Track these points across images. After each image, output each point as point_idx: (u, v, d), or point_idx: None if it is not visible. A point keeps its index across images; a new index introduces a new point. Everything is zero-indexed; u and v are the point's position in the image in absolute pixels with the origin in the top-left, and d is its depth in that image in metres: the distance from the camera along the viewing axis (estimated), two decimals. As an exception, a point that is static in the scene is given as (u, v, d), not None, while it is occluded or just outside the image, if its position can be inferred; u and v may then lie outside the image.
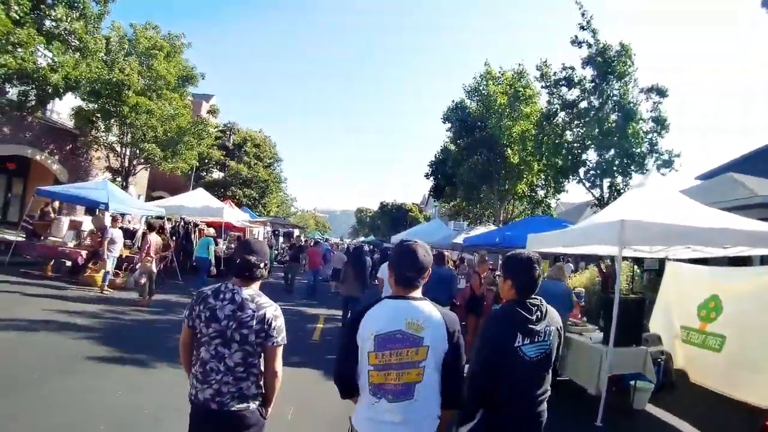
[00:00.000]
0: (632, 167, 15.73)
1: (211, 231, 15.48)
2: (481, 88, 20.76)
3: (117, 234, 10.43)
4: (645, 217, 5.54)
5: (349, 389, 2.32)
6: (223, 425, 2.50)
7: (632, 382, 6.02)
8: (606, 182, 16.49)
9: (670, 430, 5.63)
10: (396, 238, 25.07)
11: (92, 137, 18.73)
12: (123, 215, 14.05)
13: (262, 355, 2.54)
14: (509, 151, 19.33)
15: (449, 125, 23.21)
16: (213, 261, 13.11)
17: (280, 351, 2.57)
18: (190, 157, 21.23)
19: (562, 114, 16.55)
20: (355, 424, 2.28)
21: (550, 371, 2.73)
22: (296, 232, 35.13)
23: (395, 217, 56.41)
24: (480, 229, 15.35)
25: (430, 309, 2.25)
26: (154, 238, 10.19)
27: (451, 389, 2.28)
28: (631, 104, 15.13)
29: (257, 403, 2.56)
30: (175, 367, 5.83)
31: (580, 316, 8.27)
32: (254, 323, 2.47)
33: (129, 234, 13.40)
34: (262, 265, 2.60)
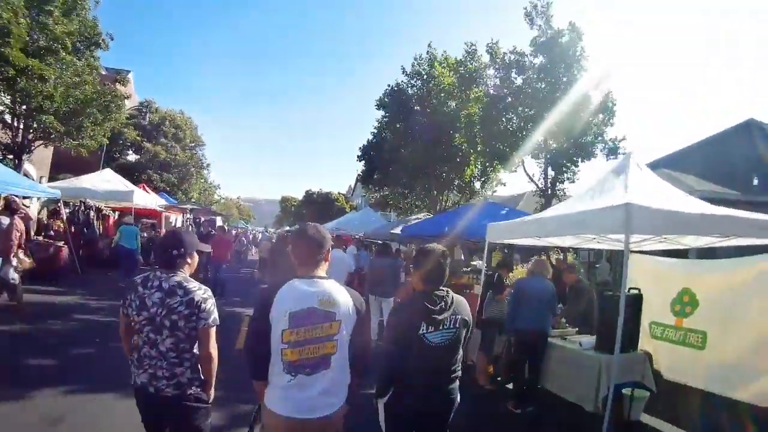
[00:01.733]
0: (579, 157, 15.39)
1: (130, 218, 13.39)
2: (422, 70, 19.74)
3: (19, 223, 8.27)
4: (645, 202, 4.68)
5: (263, 370, 2.43)
6: (162, 409, 2.59)
7: (626, 391, 5.23)
8: (551, 172, 16.13)
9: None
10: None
11: None
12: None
13: (196, 340, 2.59)
14: (457, 136, 18.45)
15: (383, 112, 22.09)
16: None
17: (212, 332, 2.63)
18: (98, 134, 18.66)
19: (509, 99, 15.89)
20: (272, 405, 2.40)
21: (459, 355, 2.99)
22: (219, 220, 32.93)
23: (321, 206, 54.76)
24: (415, 221, 14.38)
25: (337, 287, 2.50)
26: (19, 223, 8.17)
27: (360, 358, 2.56)
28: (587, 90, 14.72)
29: (195, 388, 2.60)
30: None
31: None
32: (183, 308, 2.53)
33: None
34: (183, 252, 2.69)
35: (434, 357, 2.84)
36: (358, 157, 24.26)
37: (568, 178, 15.85)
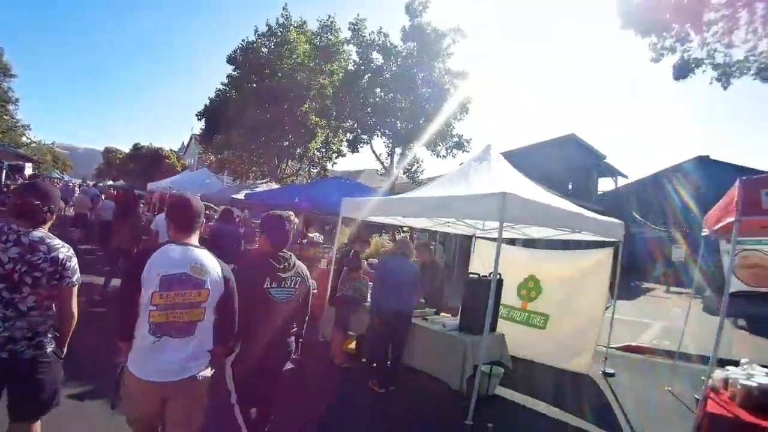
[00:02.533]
0: (428, 145, 16.08)
1: None
2: (277, 32, 18.92)
3: None
4: (516, 192, 4.87)
5: (130, 330, 2.38)
6: (18, 372, 2.39)
7: (485, 368, 5.26)
8: (397, 153, 16.65)
9: (533, 413, 5.27)
10: (155, 186, 21.98)
11: None
12: None
13: (57, 296, 2.49)
14: (306, 105, 18.01)
15: (233, 69, 20.80)
16: None
17: (74, 291, 2.56)
18: None
19: (367, 76, 15.96)
20: (135, 367, 2.37)
21: (300, 313, 3.26)
22: (28, 167, 28.41)
23: (150, 161, 50.40)
24: (262, 187, 13.83)
25: (209, 256, 2.53)
26: None
27: (225, 328, 2.60)
28: (445, 85, 15.35)
29: (53, 346, 2.53)
30: None
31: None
32: (46, 265, 2.40)
33: None
34: (47, 208, 2.53)
35: (277, 312, 3.06)
36: (198, 114, 22.60)
37: (415, 166, 16.55)
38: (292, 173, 21.70)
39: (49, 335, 2.51)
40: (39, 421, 2.58)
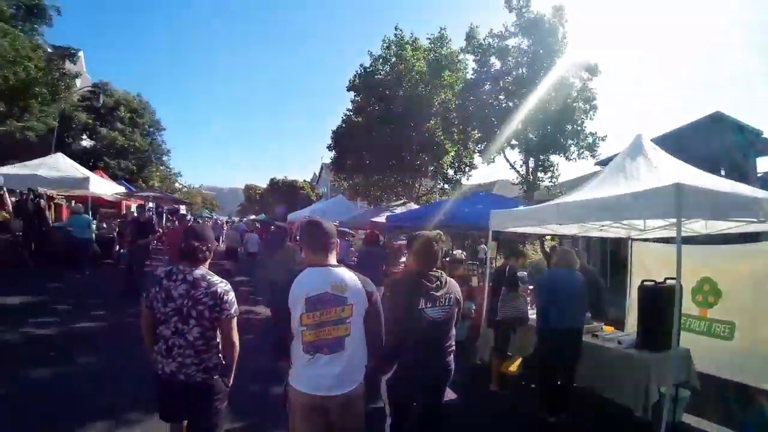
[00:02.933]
0: (556, 150, 14.95)
1: (80, 207, 12.22)
2: (391, 53, 18.90)
3: None
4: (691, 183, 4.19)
5: (286, 351, 2.60)
6: (191, 395, 2.75)
7: (667, 390, 4.48)
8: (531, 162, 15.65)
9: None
10: (294, 216, 22.88)
11: None
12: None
13: (219, 328, 2.79)
14: (431, 122, 17.70)
15: (354, 95, 21.16)
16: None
17: (234, 322, 2.83)
18: (46, 115, 17.19)
19: (487, 84, 15.25)
20: (295, 383, 2.58)
21: (453, 332, 3.28)
22: (183, 209, 31.33)
23: (286, 194, 53.52)
24: (399, 209, 13.63)
25: (348, 273, 2.65)
26: None
27: (374, 341, 2.69)
28: (569, 80, 14.22)
29: (219, 372, 2.81)
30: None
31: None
32: (208, 299, 2.72)
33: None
34: (205, 248, 2.87)
35: (433, 331, 3.13)
36: (329, 146, 23.26)
37: (549, 170, 15.45)
38: (426, 192, 21.41)
39: (214, 362, 2.81)
40: None
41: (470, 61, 16.63)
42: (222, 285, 2.81)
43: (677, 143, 18.96)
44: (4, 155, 21.83)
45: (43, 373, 5.35)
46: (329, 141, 23.09)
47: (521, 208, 6.76)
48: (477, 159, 19.19)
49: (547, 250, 10.84)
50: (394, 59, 18.79)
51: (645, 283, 5.26)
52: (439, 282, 3.19)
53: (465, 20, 17.16)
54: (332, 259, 2.71)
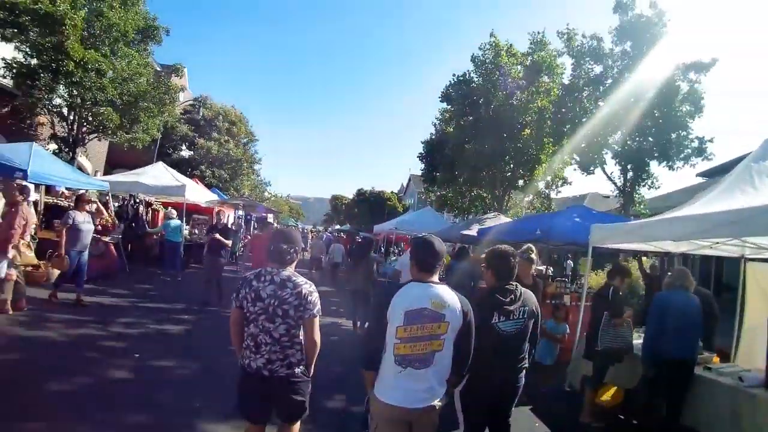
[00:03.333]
0: (662, 159, 13.69)
1: (173, 212, 12.76)
2: (487, 60, 18.28)
3: (26, 211, 7.45)
4: None
5: (376, 362, 2.69)
6: (275, 388, 2.93)
7: None
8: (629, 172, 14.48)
9: None
10: (380, 228, 22.88)
11: (35, 98, 15.21)
12: (51, 187, 11.20)
13: (302, 326, 2.96)
14: (526, 131, 16.87)
15: (446, 105, 20.75)
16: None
17: (316, 321, 2.99)
18: (151, 127, 18.22)
19: (585, 91, 14.30)
20: (382, 395, 2.65)
21: (526, 345, 3.35)
22: (270, 217, 32.27)
23: (373, 205, 53.86)
24: (490, 222, 13.01)
25: (448, 292, 2.74)
26: (27, 212, 7.30)
27: (462, 358, 2.77)
28: (675, 82, 13.01)
29: (301, 367, 2.99)
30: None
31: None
32: (293, 299, 2.89)
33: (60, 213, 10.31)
34: (292, 250, 3.04)
35: (505, 345, 3.21)
36: (420, 155, 22.96)
37: (649, 181, 14.20)
38: (514, 205, 20.55)
39: (297, 358, 2.96)
40: (298, 423, 3.10)
41: (567, 66, 15.74)
42: (306, 286, 2.96)
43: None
44: (114, 165, 23.56)
45: (122, 376, 5.33)
46: (419, 152, 22.86)
47: (628, 222, 6.04)
48: (569, 172, 18.27)
49: (647, 269, 9.81)
50: (489, 66, 18.15)
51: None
52: (513, 295, 3.27)
53: (554, 23, 16.26)
54: (435, 276, 2.79)
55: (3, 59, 14.35)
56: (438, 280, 2.80)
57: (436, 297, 2.65)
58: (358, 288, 8.96)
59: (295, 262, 3.11)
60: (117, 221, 11.58)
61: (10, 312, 6.89)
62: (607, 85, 13.98)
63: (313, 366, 3.08)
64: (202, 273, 10.29)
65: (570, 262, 22.13)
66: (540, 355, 6.33)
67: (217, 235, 9.59)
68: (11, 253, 6.95)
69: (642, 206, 14.11)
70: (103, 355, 5.88)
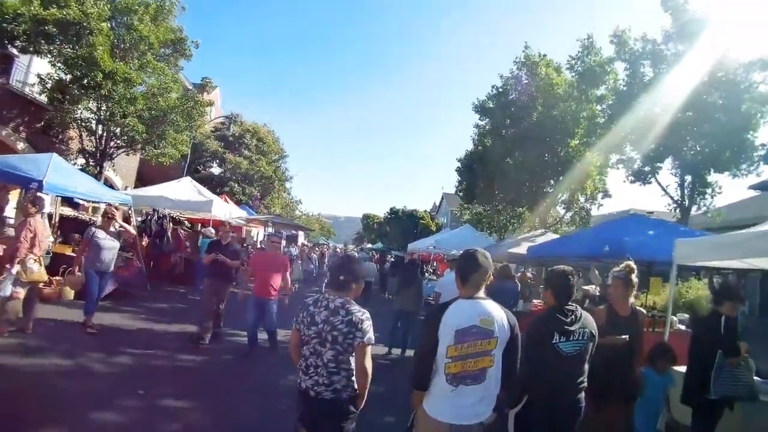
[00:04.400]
0: (723, 165, 12.48)
1: (211, 231, 12.05)
2: (523, 73, 17.39)
3: (36, 224, 6.81)
4: None
5: (426, 381, 2.69)
6: (319, 410, 2.94)
7: None
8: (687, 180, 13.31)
9: None
10: (415, 246, 22.01)
11: (66, 111, 14.94)
12: (71, 201, 10.66)
13: (353, 353, 2.93)
14: (573, 141, 15.81)
15: (481, 118, 19.88)
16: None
17: (368, 350, 2.95)
18: (180, 143, 17.82)
19: (641, 97, 13.20)
20: (432, 413, 2.66)
21: (586, 366, 3.22)
22: (301, 236, 31.60)
23: (405, 223, 52.94)
24: (539, 239, 11.99)
25: (496, 307, 2.75)
26: (38, 224, 6.66)
27: (510, 373, 2.75)
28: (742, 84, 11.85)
29: (348, 394, 2.93)
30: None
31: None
32: (344, 327, 2.89)
33: (81, 227, 9.72)
34: (350, 278, 3.09)
35: (565, 366, 3.12)
36: (458, 169, 22.11)
37: (710, 191, 12.99)
38: (554, 222, 19.40)
39: (342, 384, 2.92)
40: None
41: (621, 72, 14.65)
42: (359, 314, 2.95)
43: None
44: (145, 181, 23.33)
45: (113, 419, 4.44)
46: (455, 168, 22.08)
47: (724, 235, 4.99)
48: (611, 185, 17.17)
49: (716, 286, 8.52)
50: (525, 80, 17.28)
51: None
52: (574, 316, 3.21)
53: (603, 26, 15.27)
54: (482, 292, 2.79)
55: (38, 75, 14.20)
56: (484, 296, 2.79)
57: (484, 314, 2.68)
58: (408, 309, 8.71)
59: (353, 292, 3.11)
60: (138, 236, 10.92)
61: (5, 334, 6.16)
62: (661, 91, 12.86)
63: (364, 399, 3.02)
64: (202, 301, 8.42)
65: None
66: (640, 425, 4.30)
67: (221, 256, 7.76)
68: (16, 268, 6.28)
69: (715, 216, 12.86)
70: (100, 389, 5.08)
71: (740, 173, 12.46)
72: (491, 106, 18.59)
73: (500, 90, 18.14)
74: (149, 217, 12.31)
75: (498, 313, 2.71)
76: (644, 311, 4.38)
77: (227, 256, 7.87)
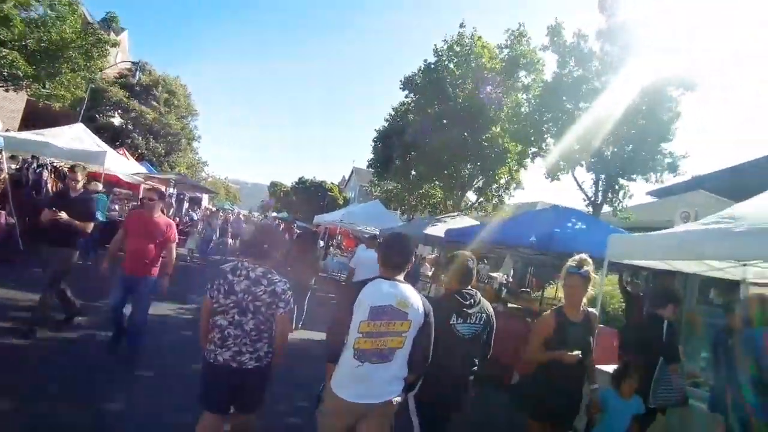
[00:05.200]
0: (639, 169, 12.94)
1: (98, 185, 10.53)
2: (457, 49, 17.05)
3: None
4: None
5: (338, 354, 2.69)
6: (241, 380, 2.94)
7: None
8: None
9: None
10: (322, 219, 21.43)
11: None
12: None
13: (274, 322, 3.00)
14: (495, 128, 15.76)
15: (407, 94, 19.41)
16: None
17: (287, 318, 3.06)
18: (74, 83, 15.83)
19: (565, 92, 13.27)
20: (337, 388, 2.66)
21: (478, 351, 3.31)
22: (205, 199, 29.79)
23: (313, 194, 52.09)
24: (457, 221, 11.76)
25: (412, 291, 2.81)
26: None
27: (420, 358, 2.79)
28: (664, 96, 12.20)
29: (268, 360, 3.04)
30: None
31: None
32: (267, 297, 2.92)
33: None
34: (272, 247, 3.10)
35: (460, 347, 3.19)
36: (374, 140, 21.61)
37: (622, 193, 13.46)
38: (465, 207, 19.53)
39: (264, 351, 3.01)
40: (253, 414, 3.16)
41: (552, 63, 14.70)
42: (281, 284, 2.99)
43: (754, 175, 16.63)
44: (32, 126, 20.66)
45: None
46: (372, 139, 21.65)
47: (669, 231, 4.77)
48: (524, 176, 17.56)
49: (629, 289, 8.67)
50: (460, 56, 16.94)
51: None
52: (472, 300, 3.27)
53: (536, 19, 15.22)
54: (401, 275, 2.83)
55: None
56: (403, 279, 2.83)
57: (401, 296, 2.71)
58: (300, 282, 7.67)
59: (272, 260, 3.10)
60: (10, 187, 9.35)
61: None
62: (591, 86, 12.99)
63: (279, 360, 3.12)
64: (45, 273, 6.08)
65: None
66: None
67: (64, 214, 5.53)
68: None
69: (624, 216, 13.29)
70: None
71: (649, 179, 12.95)
72: (420, 81, 18.18)
73: (432, 66, 17.72)
74: (26, 165, 10.64)
75: (415, 297, 2.77)
76: (596, 312, 3.89)
77: (72, 213, 5.61)
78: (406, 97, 19.72)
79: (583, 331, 3.52)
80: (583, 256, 3.54)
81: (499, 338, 3.48)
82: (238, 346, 2.89)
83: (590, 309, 3.69)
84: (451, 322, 3.13)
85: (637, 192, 62.35)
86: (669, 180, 13.35)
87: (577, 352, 3.31)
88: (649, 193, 18.75)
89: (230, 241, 19.60)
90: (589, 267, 3.51)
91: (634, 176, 13.10)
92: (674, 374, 4.02)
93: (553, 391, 3.37)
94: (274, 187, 78.21)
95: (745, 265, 4.99)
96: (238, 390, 2.98)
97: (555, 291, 9.83)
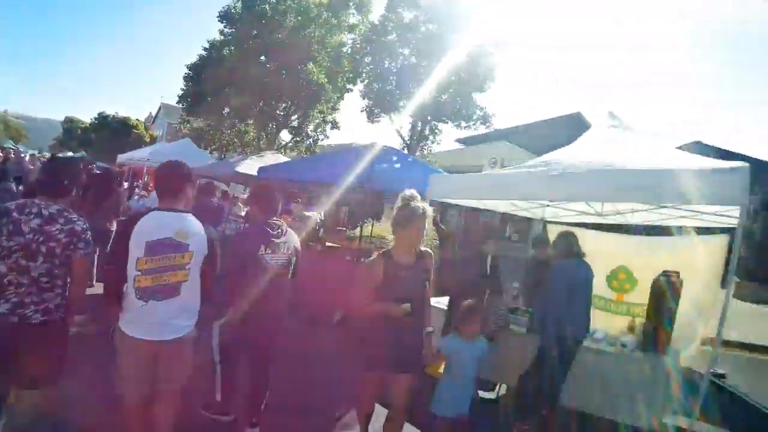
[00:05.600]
0: (453, 116, 13.68)
1: None
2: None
3: None
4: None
5: (119, 295, 2.53)
6: (25, 338, 2.46)
7: None
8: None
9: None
10: (126, 158, 19.36)
11: None
12: None
13: (70, 266, 2.59)
14: (311, 65, 15.19)
15: (225, 26, 18.12)
16: None
17: (88, 261, 2.82)
18: None
19: (395, 34, 13.33)
20: (127, 328, 2.51)
21: (288, 279, 3.35)
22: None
23: (116, 132, 46.90)
24: (270, 158, 11.11)
25: (194, 220, 2.64)
26: None
27: (207, 286, 2.72)
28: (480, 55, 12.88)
29: (60, 314, 2.59)
30: None
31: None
32: (63, 236, 2.51)
33: None
34: (67, 182, 2.67)
35: (270, 278, 3.14)
36: (186, 75, 19.79)
37: (434, 138, 14.21)
38: (279, 146, 19.06)
39: (56, 303, 2.55)
40: (48, 389, 2.61)
41: (380, 6, 14.65)
42: (80, 223, 2.61)
43: (540, 133, 18.92)
44: None
45: None
46: (183, 75, 19.97)
47: (488, 173, 4.98)
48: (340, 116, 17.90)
49: (442, 227, 8.94)
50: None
51: (661, 277, 4.42)
52: (279, 230, 3.27)
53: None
54: (180, 204, 2.66)
55: None
56: (182, 208, 2.66)
57: (180, 227, 2.57)
58: (100, 228, 6.51)
59: (69, 197, 2.69)
60: None
61: None
62: (418, 36, 13.19)
63: (74, 311, 2.70)
64: None
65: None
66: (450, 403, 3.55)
67: None
68: None
69: (434, 161, 13.91)
70: None
71: (459, 126, 13.77)
72: (238, 14, 17.03)
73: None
74: None
75: (196, 226, 2.63)
76: (430, 250, 3.36)
77: None
78: (222, 31, 18.37)
79: (416, 275, 3.05)
80: (414, 192, 3.07)
81: (319, 279, 3.50)
82: (20, 297, 2.44)
83: (423, 248, 3.16)
84: (260, 253, 3.09)
85: (446, 139, 68.14)
86: (480, 130, 14.38)
87: (407, 305, 2.88)
88: (458, 140, 20.23)
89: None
90: (417, 201, 3.05)
91: (446, 120, 13.79)
92: (498, 304, 4.58)
93: (386, 340, 2.92)
94: (70, 123, 68.55)
95: (547, 206, 5.60)
96: (22, 354, 2.48)
97: (371, 229, 9.94)
